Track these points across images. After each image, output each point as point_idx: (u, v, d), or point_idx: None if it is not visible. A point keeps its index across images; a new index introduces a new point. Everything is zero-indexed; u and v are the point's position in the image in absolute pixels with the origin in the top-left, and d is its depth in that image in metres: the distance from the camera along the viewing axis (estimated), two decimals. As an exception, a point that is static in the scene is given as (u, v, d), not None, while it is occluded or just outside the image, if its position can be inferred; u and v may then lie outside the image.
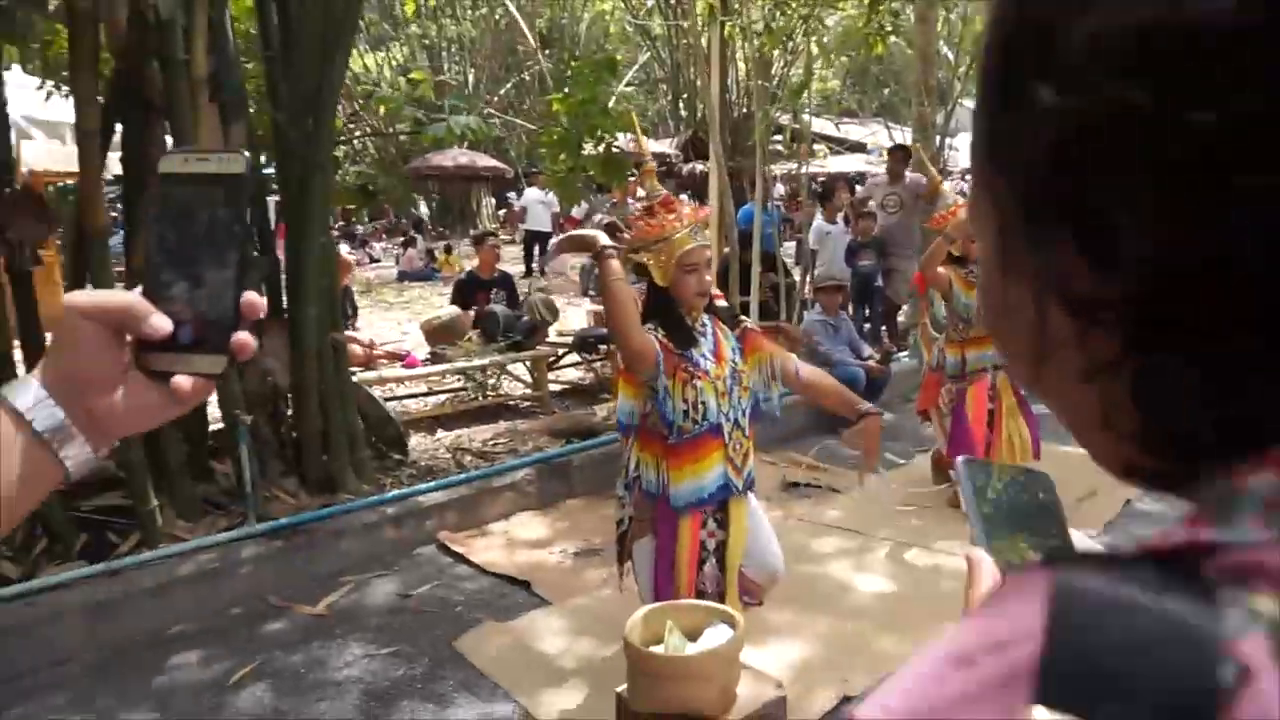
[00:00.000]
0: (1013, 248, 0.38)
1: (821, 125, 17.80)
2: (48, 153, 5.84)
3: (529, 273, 13.20)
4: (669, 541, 2.51)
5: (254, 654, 3.15)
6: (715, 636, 2.05)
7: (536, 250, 13.93)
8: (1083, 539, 0.64)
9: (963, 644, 0.34)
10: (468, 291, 5.91)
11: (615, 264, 2.37)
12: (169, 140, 3.72)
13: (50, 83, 4.64)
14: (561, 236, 3.03)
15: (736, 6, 7.34)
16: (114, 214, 6.22)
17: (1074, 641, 0.31)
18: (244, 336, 0.60)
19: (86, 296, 0.59)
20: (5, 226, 3.60)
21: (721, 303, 2.84)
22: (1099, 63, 0.32)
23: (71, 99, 4.15)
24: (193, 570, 3.47)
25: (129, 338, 0.60)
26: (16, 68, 5.72)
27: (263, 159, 4.62)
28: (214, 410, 4.10)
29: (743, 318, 2.83)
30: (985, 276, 0.41)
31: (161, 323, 0.58)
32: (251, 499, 3.66)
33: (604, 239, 2.46)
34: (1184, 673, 0.29)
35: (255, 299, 0.61)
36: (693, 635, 2.09)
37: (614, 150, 5.67)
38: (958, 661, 0.33)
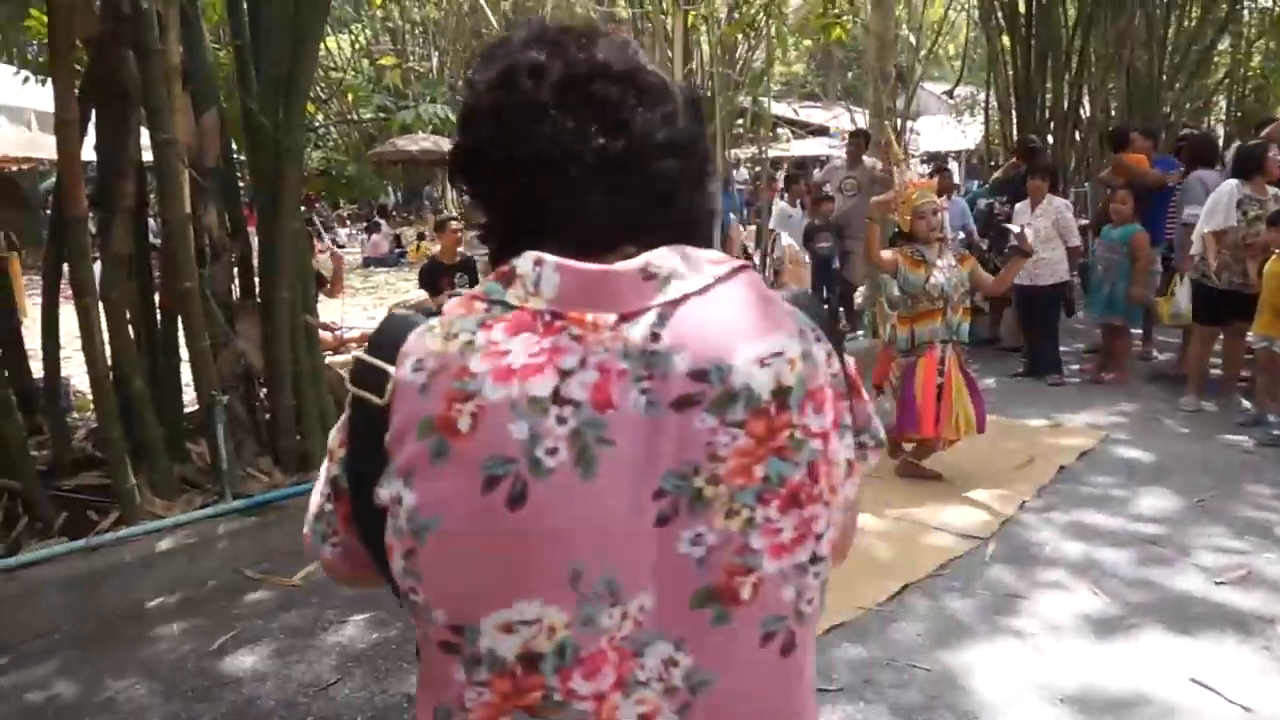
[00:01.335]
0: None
1: (784, 109, 17.99)
2: (11, 139, 5.84)
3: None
4: None
5: (232, 623, 3.29)
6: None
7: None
8: None
9: None
10: (432, 276, 6.02)
11: None
12: (143, 129, 3.80)
13: (24, 71, 4.67)
14: None
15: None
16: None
17: (376, 334, 0.77)
18: None
19: None
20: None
21: None
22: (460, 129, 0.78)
23: (39, 86, 4.22)
24: (171, 546, 3.59)
25: None
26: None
27: (233, 145, 4.70)
28: (190, 392, 4.20)
29: None
30: None
31: None
32: (227, 477, 3.78)
33: None
34: (384, 343, 0.75)
35: None
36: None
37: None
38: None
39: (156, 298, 4.15)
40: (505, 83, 0.74)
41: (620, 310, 0.70)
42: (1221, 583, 3.33)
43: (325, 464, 0.82)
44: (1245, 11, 13.45)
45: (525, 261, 0.72)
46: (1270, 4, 14.41)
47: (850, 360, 0.82)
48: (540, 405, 0.69)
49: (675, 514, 0.70)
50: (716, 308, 0.72)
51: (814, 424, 0.73)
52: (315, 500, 0.85)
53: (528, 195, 0.74)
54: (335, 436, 0.81)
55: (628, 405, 0.69)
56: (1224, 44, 13.53)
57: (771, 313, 0.74)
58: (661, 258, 0.72)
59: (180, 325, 3.96)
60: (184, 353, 4.05)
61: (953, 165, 14.35)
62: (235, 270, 4.28)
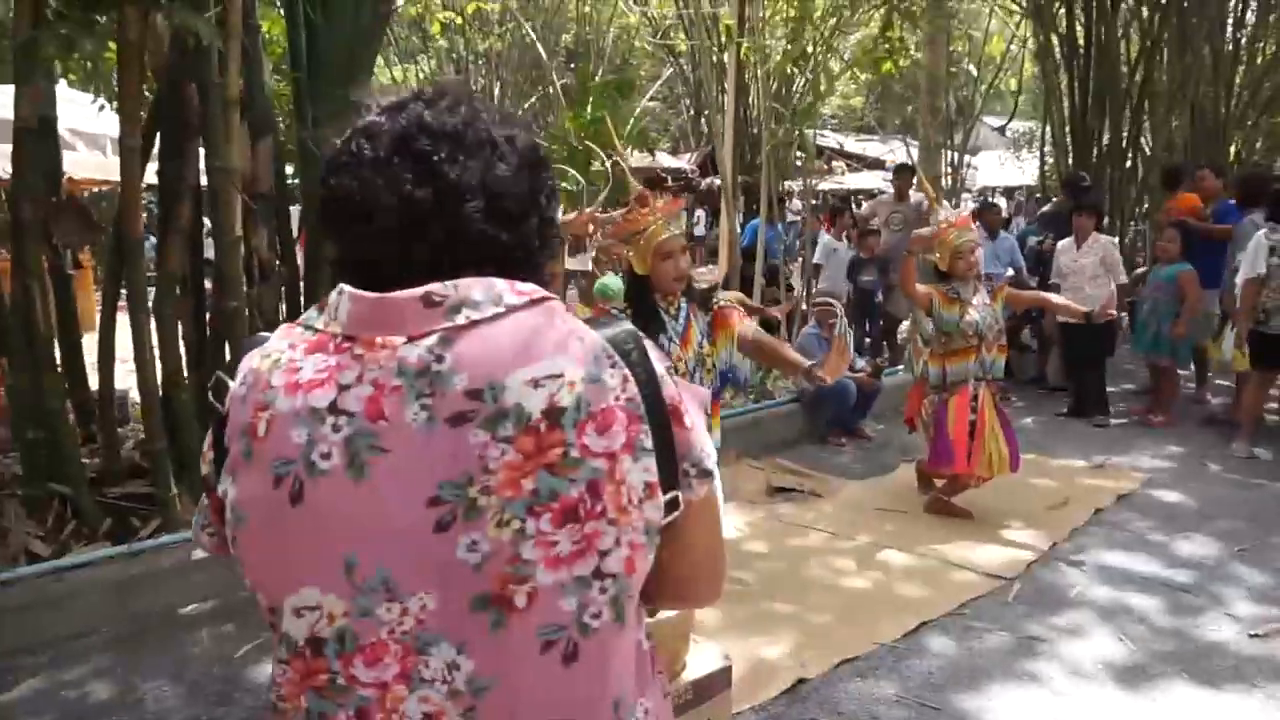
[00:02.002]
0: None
1: (842, 141, 17.97)
2: (86, 163, 6.19)
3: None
4: None
5: (259, 631, 3.40)
6: (669, 611, 2.28)
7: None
8: None
9: None
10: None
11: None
12: (202, 155, 4.03)
13: (101, 98, 4.99)
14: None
15: (759, 26, 7.58)
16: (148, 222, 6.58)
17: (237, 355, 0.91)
18: None
19: None
20: (52, 232, 3.92)
21: (703, 284, 3.08)
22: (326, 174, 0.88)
23: (112, 114, 4.48)
24: (207, 554, 3.72)
25: None
26: (64, 82, 6.10)
27: (289, 170, 4.93)
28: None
29: (718, 298, 3.05)
30: None
31: None
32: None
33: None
34: (237, 362, 0.89)
35: None
36: (650, 610, 2.31)
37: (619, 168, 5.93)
38: None
39: (208, 316, 4.35)
40: (345, 143, 0.86)
41: (407, 333, 0.80)
42: (1256, 635, 3.22)
43: (201, 465, 0.93)
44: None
45: (334, 293, 0.84)
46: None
47: (673, 389, 0.85)
48: (319, 415, 0.79)
49: (454, 520, 0.77)
50: (502, 334, 0.80)
51: (595, 444, 0.78)
52: (201, 501, 0.96)
53: (346, 236, 0.86)
54: (206, 442, 0.91)
55: (404, 418, 0.78)
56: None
57: (557, 339, 0.81)
58: (450, 287, 0.81)
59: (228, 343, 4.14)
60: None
61: (1000, 200, 14.13)
62: (283, 290, 4.47)
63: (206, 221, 4.40)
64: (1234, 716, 2.73)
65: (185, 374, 4.08)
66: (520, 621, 0.78)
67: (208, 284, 4.46)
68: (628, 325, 0.87)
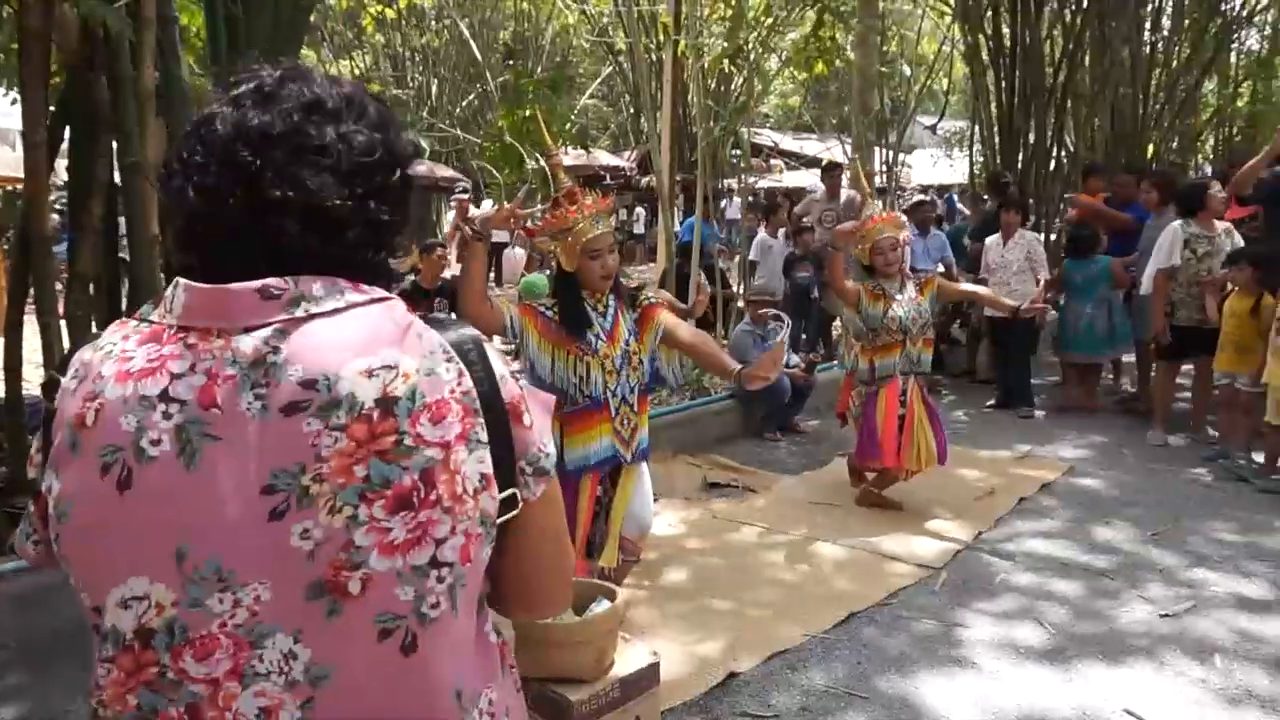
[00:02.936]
0: None
1: (779, 140, 18.17)
2: (6, 159, 5.95)
3: (499, 282, 13.33)
4: (570, 498, 2.75)
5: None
6: (597, 609, 2.27)
7: (496, 261, 14.08)
8: None
9: None
10: (412, 301, 6.07)
11: (478, 245, 2.77)
12: (114, 150, 3.88)
13: (15, 92, 4.78)
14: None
15: (696, 24, 7.60)
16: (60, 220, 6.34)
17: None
18: None
19: None
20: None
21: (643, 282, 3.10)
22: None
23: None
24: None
25: None
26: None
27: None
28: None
29: (645, 294, 3.06)
30: None
31: None
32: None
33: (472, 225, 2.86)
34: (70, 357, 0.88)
35: None
36: (579, 610, 2.30)
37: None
38: None
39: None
40: (182, 141, 0.86)
41: (243, 324, 0.81)
42: (1167, 615, 3.35)
43: (28, 469, 0.90)
44: (1232, 53, 13.67)
45: (170, 286, 0.85)
46: (1256, 46, 14.64)
47: (515, 389, 0.88)
48: (149, 402, 0.79)
49: (287, 509, 0.78)
50: (341, 328, 0.81)
51: (430, 434, 0.80)
52: (28, 507, 0.93)
53: (180, 237, 0.87)
54: (35, 444, 0.89)
55: (237, 407, 0.79)
56: (1211, 84, 13.73)
57: (394, 334, 0.83)
58: (289, 282, 0.82)
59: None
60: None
61: (936, 200, 14.45)
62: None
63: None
64: (1146, 692, 2.84)
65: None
66: (356, 609, 0.78)
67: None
68: (470, 330, 0.89)
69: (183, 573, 0.78)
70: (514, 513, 0.86)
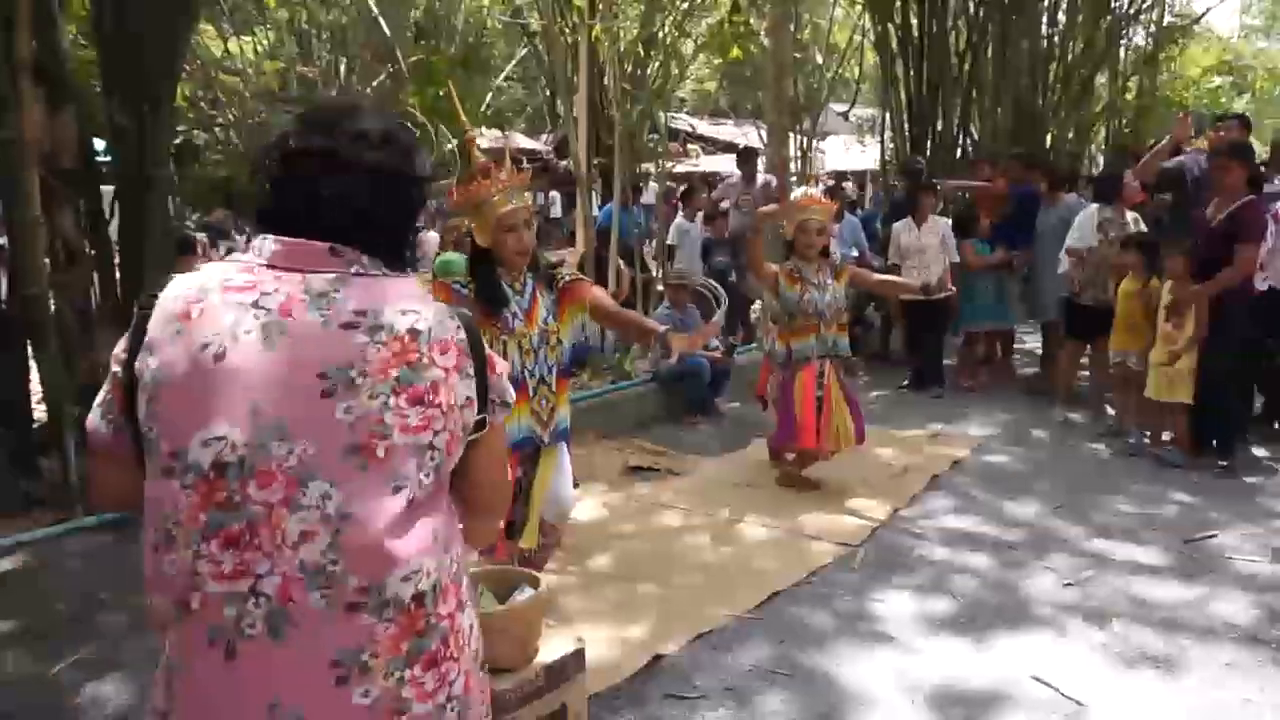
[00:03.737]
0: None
1: (696, 124, 18.24)
2: None
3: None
4: None
5: (79, 646, 3.11)
6: (521, 598, 2.22)
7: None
8: None
9: None
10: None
11: None
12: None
13: None
14: None
15: (611, 7, 7.52)
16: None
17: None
18: None
19: None
20: None
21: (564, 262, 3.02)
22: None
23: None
24: (12, 567, 3.38)
25: None
26: None
27: (100, 147, 4.50)
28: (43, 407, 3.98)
29: (562, 272, 2.98)
30: None
31: None
32: (76, 492, 3.59)
33: None
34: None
35: None
36: (502, 598, 2.25)
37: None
38: None
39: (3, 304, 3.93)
40: (272, 147, 1.21)
41: (313, 269, 1.14)
42: (1069, 584, 3.50)
43: (111, 368, 1.16)
44: (1121, 49, 14.33)
45: (259, 239, 1.17)
46: (1143, 43, 15.40)
47: (489, 350, 1.24)
48: (244, 306, 1.10)
49: (335, 391, 1.09)
50: (381, 285, 1.17)
51: (439, 359, 1.15)
52: (100, 396, 1.19)
53: (288, 204, 1.19)
54: (120, 345, 1.16)
55: (307, 317, 1.11)
56: (1103, 77, 14.37)
57: (418, 294, 1.19)
58: (348, 249, 1.16)
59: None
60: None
61: (849, 185, 14.77)
62: (95, 276, 4.08)
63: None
64: (1051, 658, 2.96)
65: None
66: (378, 468, 1.09)
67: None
68: (461, 308, 1.25)
69: (254, 423, 1.07)
70: (484, 431, 1.22)
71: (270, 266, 1.13)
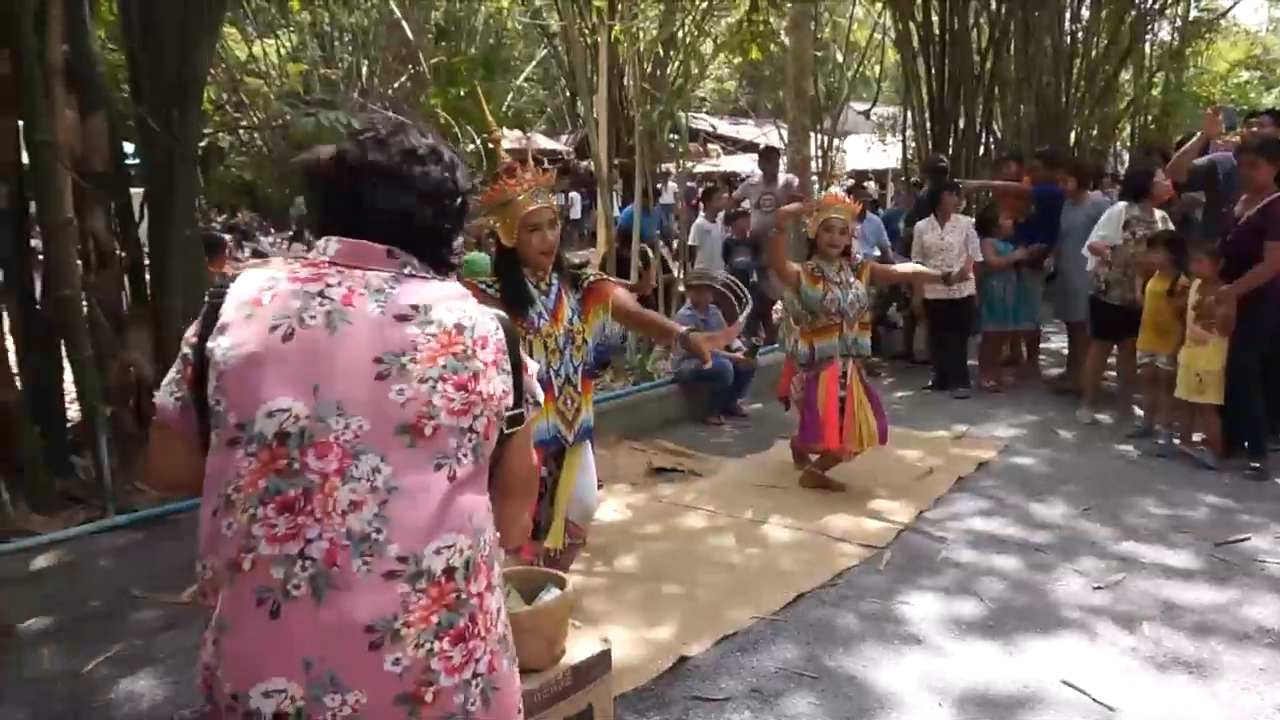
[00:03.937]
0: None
1: (717, 124, 18.20)
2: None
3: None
4: None
5: (111, 644, 3.15)
6: (547, 598, 2.23)
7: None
8: None
9: None
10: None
11: None
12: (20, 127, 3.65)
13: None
14: None
15: (631, 10, 7.51)
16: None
17: None
18: None
19: None
20: None
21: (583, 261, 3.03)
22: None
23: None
24: (48, 564, 3.43)
25: None
26: None
27: (128, 149, 4.55)
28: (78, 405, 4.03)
29: (589, 272, 3.00)
30: None
31: None
32: (110, 491, 3.63)
33: None
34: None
35: None
36: (529, 598, 2.26)
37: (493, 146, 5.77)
38: None
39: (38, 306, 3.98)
40: (334, 162, 1.34)
41: (372, 267, 1.27)
42: (1099, 587, 3.46)
43: (181, 349, 1.27)
44: (1146, 45, 14.17)
45: (322, 240, 1.30)
46: (1169, 38, 15.21)
47: (523, 354, 1.36)
48: (311, 295, 1.23)
49: (389, 375, 1.21)
50: (431, 285, 1.30)
51: (480, 353, 1.27)
52: (169, 375, 1.29)
53: (331, 215, 1.34)
54: (191, 330, 1.26)
55: (366, 308, 1.23)
56: (1127, 73, 14.21)
57: (463, 294, 1.31)
58: (402, 252, 1.30)
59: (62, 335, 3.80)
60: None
61: (870, 184, 14.68)
62: (126, 278, 4.13)
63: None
64: (1081, 662, 2.93)
65: (15, 371, 3.72)
66: (425, 446, 1.21)
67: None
68: (502, 313, 1.36)
69: (316, 398, 1.18)
70: (519, 427, 1.34)
71: (333, 263, 1.26)
